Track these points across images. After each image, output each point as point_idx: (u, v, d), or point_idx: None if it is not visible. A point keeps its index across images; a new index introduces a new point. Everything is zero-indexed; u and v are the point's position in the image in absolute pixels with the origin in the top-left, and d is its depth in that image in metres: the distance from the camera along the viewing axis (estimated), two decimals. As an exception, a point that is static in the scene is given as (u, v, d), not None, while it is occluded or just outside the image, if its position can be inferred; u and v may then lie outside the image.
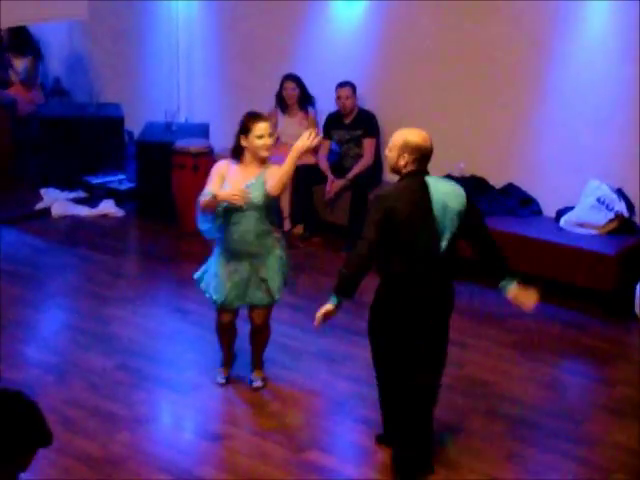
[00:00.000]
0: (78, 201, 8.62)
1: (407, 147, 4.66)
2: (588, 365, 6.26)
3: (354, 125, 8.00)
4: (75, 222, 8.33)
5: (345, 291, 4.64)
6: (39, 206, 8.49)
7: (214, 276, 5.48)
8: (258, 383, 5.67)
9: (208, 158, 8.04)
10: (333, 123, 8.07)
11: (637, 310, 6.72)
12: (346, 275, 4.62)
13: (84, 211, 8.49)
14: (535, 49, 7.30)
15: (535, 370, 6.05)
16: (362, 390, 5.66)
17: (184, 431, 5.34)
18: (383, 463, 4.98)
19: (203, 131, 8.69)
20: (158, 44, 9.31)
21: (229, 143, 8.30)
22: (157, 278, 7.36)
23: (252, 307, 5.53)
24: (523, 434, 5.30)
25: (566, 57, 7.19)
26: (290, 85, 8.11)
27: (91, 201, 8.63)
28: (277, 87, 8.17)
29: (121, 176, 8.92)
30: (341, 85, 7.94)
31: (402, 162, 4.66)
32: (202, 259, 7.73)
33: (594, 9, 6.98)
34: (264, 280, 5.41)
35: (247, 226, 5.32)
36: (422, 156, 4.66)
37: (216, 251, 5.52)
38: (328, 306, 4.66)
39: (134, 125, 9.07)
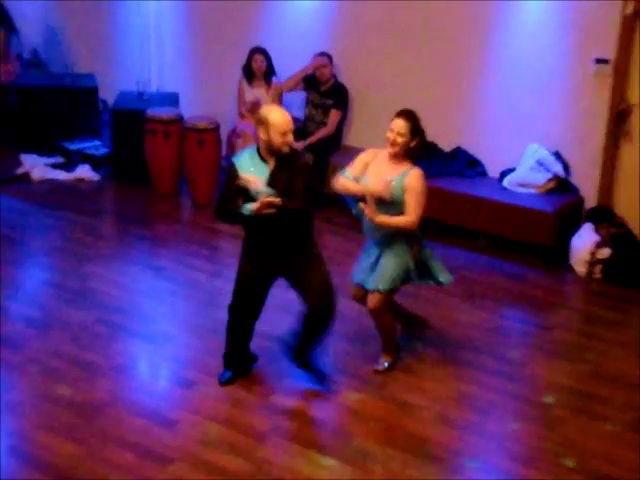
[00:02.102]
0: (56, 166, 8.54)
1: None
2: (528, 312, 6.36)
3: (327, 94, 7.95)
4: (54, 186, 8.26)
5: None
6: (20, 171, 8.40)
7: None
8: (378, 366, 5.36)
9: (178, 125, 8.00)
10: (311, 84, 8.03)
11: (572, 262, 6.85)
12: None
13: (62, 175, 8.42)
14: (481, 23, 7.30)
15: (481, 317, 6.14)
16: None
17: (159, 378, 5.37)
18: (343, 404, 5.06)
19: (173, 100, 8.63)
20: (130, 17, 9.19)
21: (199, 111, 8.37)
22: (132, 237, 7.34)
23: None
24: (470, 375, 5.39)
25: (508, 31, 7.21)
26: (259, 57, 8.02)
27: (68, 166, 8.54)
28: (242, 59, 8.10)
29: (96, 142, 8.84)
30: (319, 55, 7.90)
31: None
32: (173, 219, 7.78)
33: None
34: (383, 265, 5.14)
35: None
36: None
37: None
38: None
39: (108, 94, 8.98)
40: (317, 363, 5.23)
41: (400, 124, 4.99)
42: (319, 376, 5.21)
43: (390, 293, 5.18)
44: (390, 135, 5.02)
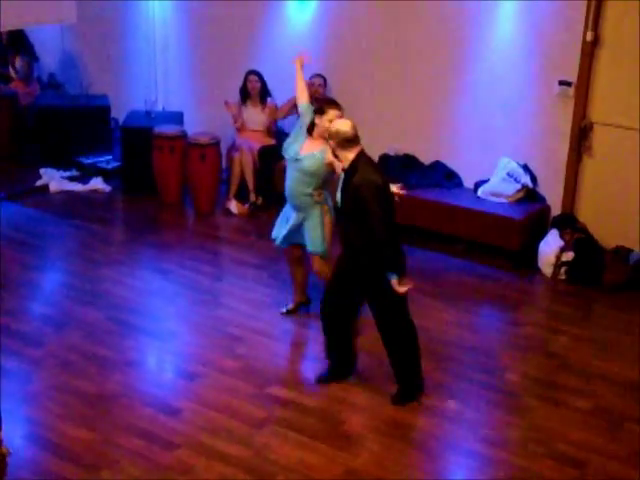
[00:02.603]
0: (72, 179, 8.52)
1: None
2: (500, 310, 6.37)
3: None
4: (70, 197, 8.24)
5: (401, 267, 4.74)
6: (39, 183, 8.38)
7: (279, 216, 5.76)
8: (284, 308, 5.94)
9: (182, 141, 8.00)
10: None
11: (540, 264, 6.87)
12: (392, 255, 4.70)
13: (77, 187, 8.41)
14: (456, 48, 7.31)
15: (457, 315, 6.15)
16: (312, 334, 5.74)
17: (165, 371, 5.38)
18: (332, 393, 5.07)
19: (178, 118, 8.63)
20: (138, 43, 9.19)
21: (201, 128, 8.37)
22: (140, 243, 7.33)
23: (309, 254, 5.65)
24: (448, 367, 5.41)
25: (481, 56, 7.22)
26: (254, 78, 8.02)
27: (83, 179, 8.53)
28: (240, 81, 8.10)
29: (108, 157, 8.82)
30: (315, 76, 7.88)
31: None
32: (178, 227, 7.79)
33: (504, 13, 7.01)
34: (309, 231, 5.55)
35: (290, 181, 5.53)
36: None
37: None
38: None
39: (119, 113, 8.98)
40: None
41: (338, 113, 5.30)
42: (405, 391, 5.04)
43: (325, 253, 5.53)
44: None
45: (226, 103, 8.05)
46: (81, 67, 9.74)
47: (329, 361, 5.18)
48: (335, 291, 5.00)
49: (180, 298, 6.27)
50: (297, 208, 5.54)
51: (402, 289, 4.70)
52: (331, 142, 4.82)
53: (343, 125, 4.83)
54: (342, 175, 4.87)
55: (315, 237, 5.52)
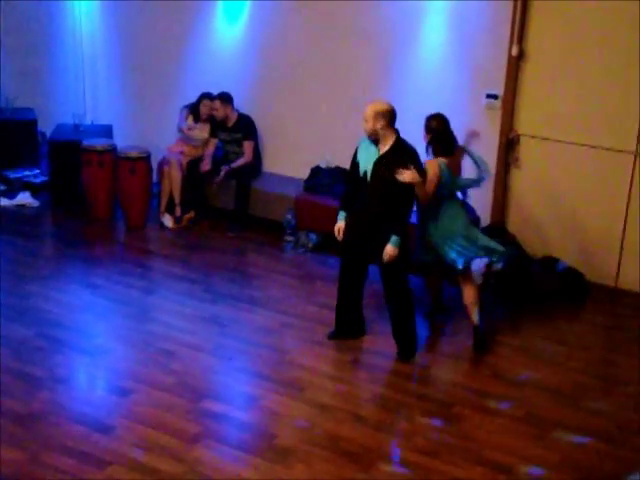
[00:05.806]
0: (-2, 193, 8.40)
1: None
2: (432, 321, 6.45)
3: (235, 129, 7.94)
4: (-4, 212, 8.12)
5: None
6: (-37, 198, 8.23)
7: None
8: None
9: (111, 155, 7.93)
10: (218, 126, 8.03)
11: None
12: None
13: (4, 202, 8.25)
14: (383, 61, 7.43)
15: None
16: (246, 348, 5.74)
17: (96, 388, 5.31)
18: (266, 407, 5.09)
19: (107, 131, 8.56)
20: (64, 56, 9.09)
21: (131, 142, 8.31)
22: (70, 258, 7.24)
23: None
24: (381, 378, 5.45)
25: (409, 68, 7.35)
26: (209, 104, 7.91)
27: (10, 193, 8.38)
28: (169, 93, 8.06)
29: (36, 171, 8.69)
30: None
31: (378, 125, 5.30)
32: (108, 241, 7.70)
33: (431, 27, 7.16)
34: None
35: None
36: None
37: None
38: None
39: (46, 126, 8.86)
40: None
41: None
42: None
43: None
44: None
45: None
46: (5, 80, 9.56)
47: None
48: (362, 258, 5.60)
49: (111, 313, 6.21)
50: None
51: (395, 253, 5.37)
52: (382, 122, 5.25)
53: (387, 104, 5.34)
54: (370, 151, 5.37)
55: None
